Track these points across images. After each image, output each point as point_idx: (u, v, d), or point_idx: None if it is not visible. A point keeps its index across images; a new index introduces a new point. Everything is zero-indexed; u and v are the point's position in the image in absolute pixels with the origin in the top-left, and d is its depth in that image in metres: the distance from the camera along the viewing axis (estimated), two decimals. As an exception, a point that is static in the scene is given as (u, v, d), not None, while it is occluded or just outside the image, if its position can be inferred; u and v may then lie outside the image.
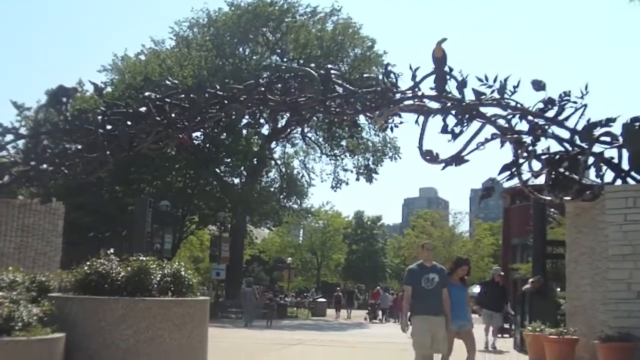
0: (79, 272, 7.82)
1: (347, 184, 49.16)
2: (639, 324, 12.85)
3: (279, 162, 49.94)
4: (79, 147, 17.66)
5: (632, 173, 14.65)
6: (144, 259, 7.89)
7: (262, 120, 35.69)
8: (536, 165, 15.32)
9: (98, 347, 7.28)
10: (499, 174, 15.13)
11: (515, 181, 16.38)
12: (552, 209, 21.60)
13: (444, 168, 15.07)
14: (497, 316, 20.87)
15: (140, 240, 26.11)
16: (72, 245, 23.83)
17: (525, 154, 14.92)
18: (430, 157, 14.95)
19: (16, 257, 17.40)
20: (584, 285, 15.21)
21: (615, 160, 14.95)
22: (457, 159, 14.94)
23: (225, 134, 41.34)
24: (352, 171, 48.71)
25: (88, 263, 7.83)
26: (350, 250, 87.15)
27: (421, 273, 10.16)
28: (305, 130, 49.17)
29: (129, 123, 17.22)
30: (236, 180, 45.12)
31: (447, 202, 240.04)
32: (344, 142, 48.13)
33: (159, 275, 7.91)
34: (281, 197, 48.32)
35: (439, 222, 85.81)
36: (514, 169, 15.12)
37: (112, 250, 8.12)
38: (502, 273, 22.28)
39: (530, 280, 18.82)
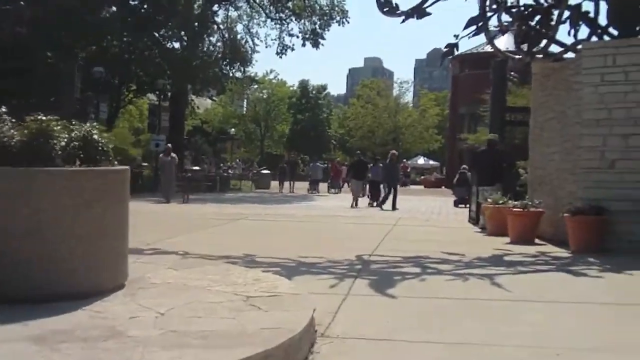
0: (-40, 139, 6.19)
1: (292, 49, 47.25)
2: (610, 195, 11.82)
3: (221, 26, 47.55)
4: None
5: (610, 29, 13.37)
6: (44, 118, 6.29)
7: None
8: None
9: (-15, 231, 5.82)
10: (465, 28, 13.73)
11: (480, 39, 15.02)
12: (512, 72, 20.26)
13: (403, 21, 13.57)
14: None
15: (68, 106, 24.15)
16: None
17: (494, 6, 13.47)
18: (388, 8, 13.40)
19: None
20: (550, 153, 14.09)
21: (592, 15, 13.66)
22: (419, 11, 13.45)
23: (163, -6, 38.87)
24: (298, 36, 46.77)
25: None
26: (294, 120, 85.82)
27: None
28: (250, -9, 47.04)
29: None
30: (176, 45, 42.78)
31: (392, 73, 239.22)
32: (290, 4, 45.88)
33: (65, 140, 6.35)
34: (224, 63, 46.21)
35: (384, 92, 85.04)
36: (480, 23, 13.68)
37: (4, 109, 6.45)
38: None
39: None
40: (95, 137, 6.57)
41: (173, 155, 28.03)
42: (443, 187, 53.31)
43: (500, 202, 14.19)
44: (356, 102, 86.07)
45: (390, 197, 26.39)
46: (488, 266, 9.92)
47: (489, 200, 14.89)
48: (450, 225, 18.06)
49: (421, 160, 76.55)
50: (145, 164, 41.73)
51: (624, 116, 11.87)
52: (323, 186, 44.59)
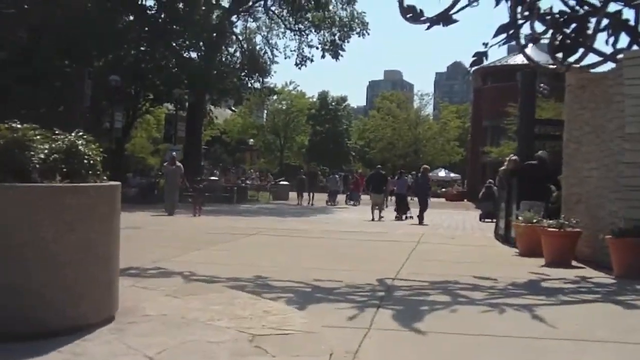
0: None
1: (311, 60, 46.47)
2: (657, 215, 10.81)
3: (240, 37, 46.87)
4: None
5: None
6: (20, 127, 5.43)
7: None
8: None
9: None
10: (494, 36, 12.72)
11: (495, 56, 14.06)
12: (542, 84, 19.25)
13: (428, 28, 12.60)
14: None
15: (77, 114, 23.26)
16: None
17: (526, 13, 12.52)
18: (412, 14, 12.45)
19: None
20: (588, 169, 13.07)
21: (632, 23, 12.70)
22: (445, 18, 12.48)
23: (182, 4, 38.15)
24: (317, 47, 45.99)
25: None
26: (314, 131, 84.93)
27: None
28: (269, 3, 46.31)
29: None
30: (194, 55, 42.00)
31: (412, 85, 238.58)
32: (309, 15, 45.09)
33: (45, 152, 5.48)
34: (242, 74, 45.45)
35: (404, 104, 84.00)
36: (511, 31, 12.71)
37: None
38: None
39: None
40: (81, 148, 5.70)
41: (178, 164, 26.43)
42: (465, 200, 52.25)
43: (534, 220, 13.17)
44: (376, 114, 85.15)
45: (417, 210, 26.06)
46: (525, 294, 8.91)
47: (520, 218, 13.89)
48: (477, 243, 17.03)
49: (442, 173, 75.32)
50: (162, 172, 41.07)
51: (671, 130, 10.90)
52: (341, 197, 43.84)
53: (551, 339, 6.47)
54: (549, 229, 12.27)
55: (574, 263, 12.19)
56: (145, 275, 9.09)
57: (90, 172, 5.74)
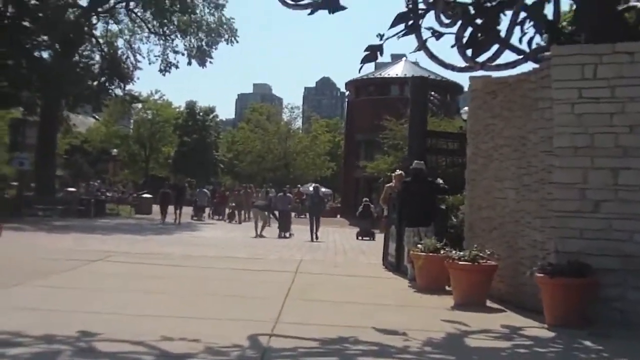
0: None
1: (177, 67, 43.84)
2: (594, 248, 8.78)
3: (100, 40, 43.47)
4: None
5: (576, 37, 10.46)
6: None
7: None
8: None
9: None
10: (391, 26, 10.51)
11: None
12: (433, 92, 17.23)
13: (311, 13, 10.23)
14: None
15: None
16: None
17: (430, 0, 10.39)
18: (294, -2, 10.12)
19: None
20: (502, 189, 10.92)
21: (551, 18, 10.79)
22: (331, 3, 10.21)
23: (33, -1, 34.50)
24: (183, 53, 43.38)
25: None
26: (181, 142, 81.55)
27: None
28: (131, 4, 43.13)
29: None
30: (45, 55, 38.21)
31: (281, 99, 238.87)
32: (174, 19, 42.26)
33: None
34: (102, 79, 42.07)
35: (274, 117, 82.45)
36: (410, 21, 10.54)
37: None
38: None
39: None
40: None
41: None
42: (339, 216, 50.55)
43: (441, 250, 10.94)
44: (245, 125, 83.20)
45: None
46: (453, 363, 6.58)
47: (419, 246, 11.67)
48: (365, 272, 14.63)
49: (312, 188, 73.44)
50: (15, 183, 37.02)
51: (611, 144, 8.88)
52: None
53: None
54: (460, 262, 10.06)
55: (488, 303, 10.06)
56: None
57: None
